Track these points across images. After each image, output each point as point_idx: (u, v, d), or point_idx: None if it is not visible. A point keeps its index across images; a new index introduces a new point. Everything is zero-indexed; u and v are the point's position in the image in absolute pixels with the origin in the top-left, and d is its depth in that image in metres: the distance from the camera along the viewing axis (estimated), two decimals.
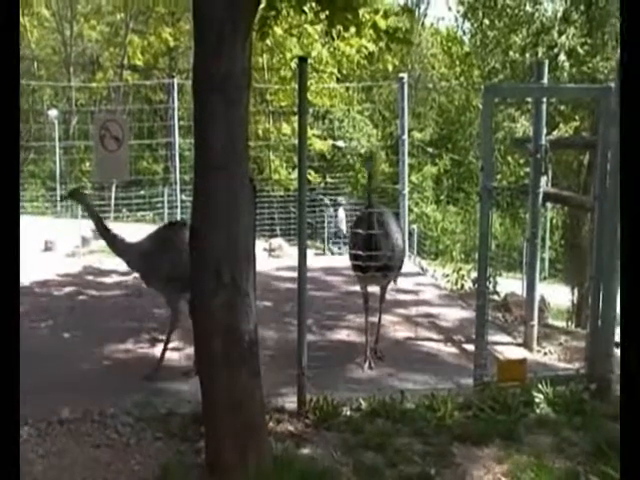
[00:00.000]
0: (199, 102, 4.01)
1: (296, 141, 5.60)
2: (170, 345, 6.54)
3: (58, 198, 18.90)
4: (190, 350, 6.05)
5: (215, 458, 4.16)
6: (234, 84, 3.92)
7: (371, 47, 20.00)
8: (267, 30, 6.17)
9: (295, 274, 5.26)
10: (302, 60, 5.26)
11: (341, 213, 17.83)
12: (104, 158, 9.49)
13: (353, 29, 5.88)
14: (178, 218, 14.23)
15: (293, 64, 20.37)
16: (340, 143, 23.56)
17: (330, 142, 23.52)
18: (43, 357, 6.31)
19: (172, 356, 6.37)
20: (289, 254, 11.26)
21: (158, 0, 26.63)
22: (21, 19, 24.77)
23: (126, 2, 26.86)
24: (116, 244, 6.09)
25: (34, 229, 13.00)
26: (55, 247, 11.68)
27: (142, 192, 18.98)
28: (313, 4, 5.92)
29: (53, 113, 21.29)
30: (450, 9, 25.08)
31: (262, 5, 5.25)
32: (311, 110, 21.65)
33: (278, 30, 18.07)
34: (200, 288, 4.08)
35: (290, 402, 5.19)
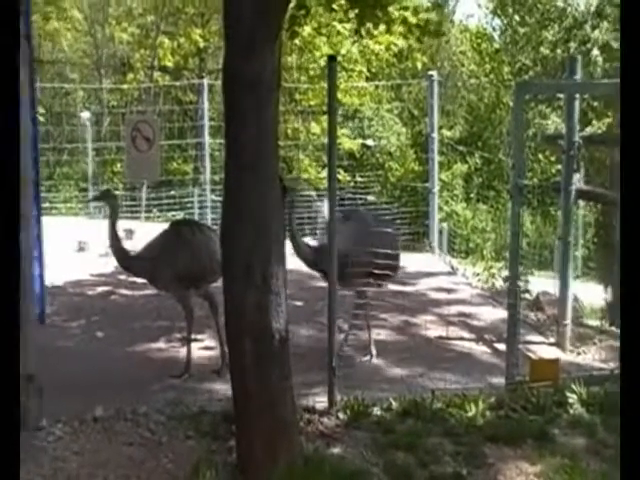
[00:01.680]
0: (229, 102, 4.02)
1: (325, 140, 5.60)
2: (201, 344, 6.61)
3: (90, 199, 19.09)
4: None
5: (246, 457, 4.17)
6: (264, 84, 3.94)
7: (401, 44, 19.88)
8: (297, 29, 6.18)
9: None
10: (331, 59, 5.24)
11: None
12: (135, 159, 9.57)
13: (383, 26, 5.87)
14: (209, 218, 14.30)
15: (322, 63, 20.35)
16: (369, 142, 23.40)
17: (359, 141, 23.43)
18: (77, 356, 6.41)
19: (203, 355, 6.41)
20: None
21: (188, 1, 26.81)
22: (55, 23, 25.10)
23: (157, 4, 27.08)
24: (121, 255, 6.04)
25: (68, 230, 13.16)
26: (88, 247, 11.77)
27: (173, 192, 19.04)
28: (342, 2, 5.92)
29: (85, 115, 21.45)
30: (479, 6, 24.80)
31: (292, 4, 5.25)
32: (340, 109, 21.59)
33: (307, 29, 18.03)
34: (231, 287, 4.10)
35: (321, 401, 5.18)
